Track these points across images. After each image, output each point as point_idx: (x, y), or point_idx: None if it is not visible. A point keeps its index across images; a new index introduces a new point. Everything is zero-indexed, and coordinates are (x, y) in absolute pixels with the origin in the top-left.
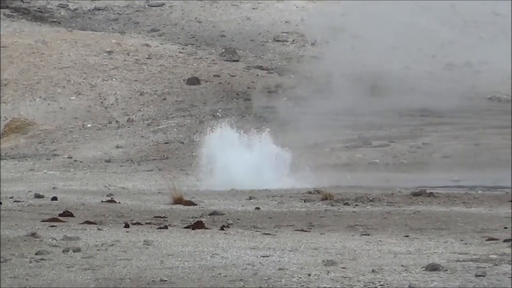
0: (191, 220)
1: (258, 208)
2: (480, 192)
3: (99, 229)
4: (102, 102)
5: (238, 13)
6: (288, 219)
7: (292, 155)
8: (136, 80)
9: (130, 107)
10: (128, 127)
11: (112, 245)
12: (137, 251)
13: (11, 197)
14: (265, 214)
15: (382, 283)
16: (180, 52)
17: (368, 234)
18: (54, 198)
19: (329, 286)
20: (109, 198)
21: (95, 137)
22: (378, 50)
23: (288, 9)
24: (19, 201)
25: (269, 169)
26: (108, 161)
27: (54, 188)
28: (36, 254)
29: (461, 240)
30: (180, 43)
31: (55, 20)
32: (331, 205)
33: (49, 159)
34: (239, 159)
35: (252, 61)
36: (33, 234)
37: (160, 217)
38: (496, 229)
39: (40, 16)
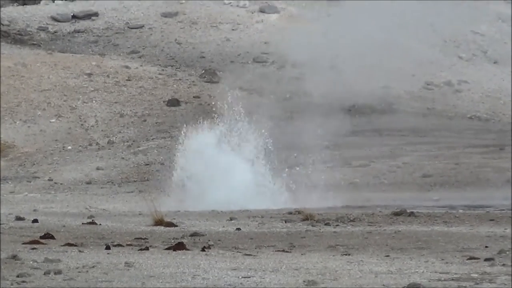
0: (172, 241)
1: (239, 229)
2: (460, 211)
3: (80, 251)
4: (82, 124)
5: (218, 34)
6: (269, 239)
7: (273, 175)
8: (116, 102)
9: (110, 129)
10: (109, 149)
11: (93, 267)
12: (118, 273)
13: None
14: (246, 235)
15: None
16: (160, 74)
17: (349, 254)
18: (35, 221)
19: None
20: (90, 220)
21: (76, 159)
22: (357, 69)
23: (268, 30)
24: None
25: (249, 190)
26: (88, 183)
27: (35, 210)
28: (17, 276)
29: (442, 260)
30: (159, 65)
31: (34, 42)
32: (312, 226)
33: (30, 182)
34: (220, 180)
35: (232, 82)
36: (14, 257)
37: (141, 238)
38: (477, 248)
39: (19, 39)
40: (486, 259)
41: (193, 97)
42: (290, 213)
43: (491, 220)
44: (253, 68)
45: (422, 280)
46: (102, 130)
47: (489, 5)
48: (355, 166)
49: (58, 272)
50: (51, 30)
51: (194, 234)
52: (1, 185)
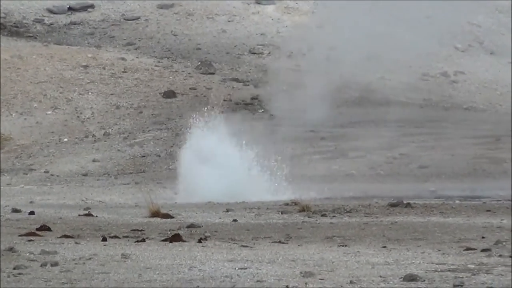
0: (169, 233)
1: (235, 220)
2: (457, 202)
3: (76, 243)
4: (78, 116)
5: (214, 26)
6: (266, 231)
7: (269, 167)
8: (112, 94)
9: (106, 121)
10: (105, 141)
11: (89, 258)
12: (114, 264)
13: None
14: (243, 226)
15: None
16: (156, 66)
17: (345, 245)
18: (32, 213)
19: None
20: (86, 212)
21: (72, 151)
22: (353, 61)
23: (264, 22)
24: None
25: (246, 181)
26: (85, 175)
27: (31, 202)
28: (14, 268)
29: (439, 250)
30: (155, 57)
31: (31, 35)
32: (309, 217)
33: (26, 174)
34: (216, 171)
35: (228, 74)
36: (11, 249)
37: (137, 230)
38: (473, 238)
39: (16, 31)
40: (482, 250)
41: (189, 88)
42: (287, 204)
43: (487, 210)
44: (249, 59)
45: (419, 271)
46: (98, 122)
47: None
48: (351, 158)
49: (55, 264)
50: (47, 22)
51: (191, 226)
52: None
